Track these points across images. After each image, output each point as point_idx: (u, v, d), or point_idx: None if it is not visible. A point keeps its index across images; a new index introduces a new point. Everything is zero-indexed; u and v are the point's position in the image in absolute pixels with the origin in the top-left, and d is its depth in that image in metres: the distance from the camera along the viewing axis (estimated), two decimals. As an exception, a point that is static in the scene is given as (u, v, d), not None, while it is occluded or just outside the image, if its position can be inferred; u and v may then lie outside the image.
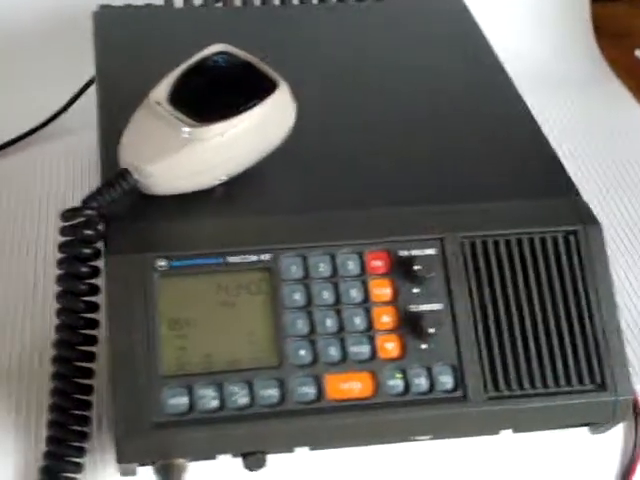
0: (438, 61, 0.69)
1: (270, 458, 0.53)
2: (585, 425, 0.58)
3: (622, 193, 0.79)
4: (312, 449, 0.55)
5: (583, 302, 0.55)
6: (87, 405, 0.55)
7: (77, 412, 0.55)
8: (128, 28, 0.74)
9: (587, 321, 0.55)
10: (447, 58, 0.70)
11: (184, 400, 0.51)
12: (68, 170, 0.78)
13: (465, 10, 0.76)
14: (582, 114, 0.90)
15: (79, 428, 0.55)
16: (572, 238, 0.56)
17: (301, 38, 0.72)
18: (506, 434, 0.57)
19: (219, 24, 0.75)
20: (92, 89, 0.82)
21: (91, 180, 0.76)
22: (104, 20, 0.75)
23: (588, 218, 0.57)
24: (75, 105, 0.83)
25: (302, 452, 0.55)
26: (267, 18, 0.76)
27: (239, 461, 0.53)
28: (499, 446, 0.59)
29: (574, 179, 0.60)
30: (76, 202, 0.72)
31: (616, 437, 0.59)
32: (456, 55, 0.70)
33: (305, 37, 0.72)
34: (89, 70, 0.82)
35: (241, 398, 0.52)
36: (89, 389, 0.55)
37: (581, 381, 0.54)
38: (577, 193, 0.59)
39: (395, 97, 0.66)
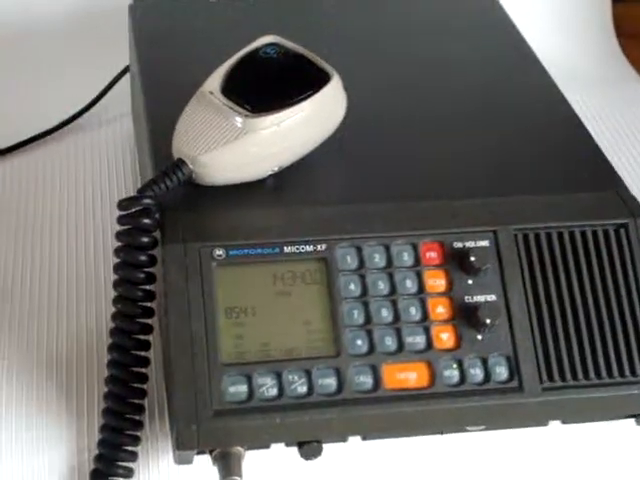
0: (481, 56, 0.70)
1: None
2: (632, 416, 0.58)
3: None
4: (367, 439, 0.56)
5: (635, 294, 0.56)
6: (142, 394, 0.55)
7: (132, 400, 0.55)
8: (165, 20, 0.75)
9: (638, 312, 0.55)
10: (488, 54, 0.70)
11: (243, 388, 0.51)
12: (103, 160, 0.79)
13: (500, 8, 0.77)
14: (605, 112, 0.91)
15: (134, 417, 0.55)
16: (622, 231, 0.57)
17: (339, 30, 0.72)
18: (554, 425, 0.58)
19: (252, 14, 0.75)
20: (124, 80, 0.83)
21: (125, 169, 0.77)
22: (141, 12, 0.76)
23: (638, 211, 0.58)
24: (107, 96, 0.83)
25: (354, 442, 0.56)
26: (301, 10, 0.76)
27: (292, 451, 0.54)
28: (544, 438, 0.59)
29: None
30: (114, 191, 0.74)
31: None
32: (496, 50, 0.71)
33: (343, 29, 0.72)
34: (119, 62, 0.83)
35: (300, 387, 0.52)
36: (144, 378, 0.55)
37: (633, 372, 0.54)
38: (623, 184, 0.60)
39: (443, 91, 0.66)
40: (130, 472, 0.55)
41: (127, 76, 0.82)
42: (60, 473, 0.56)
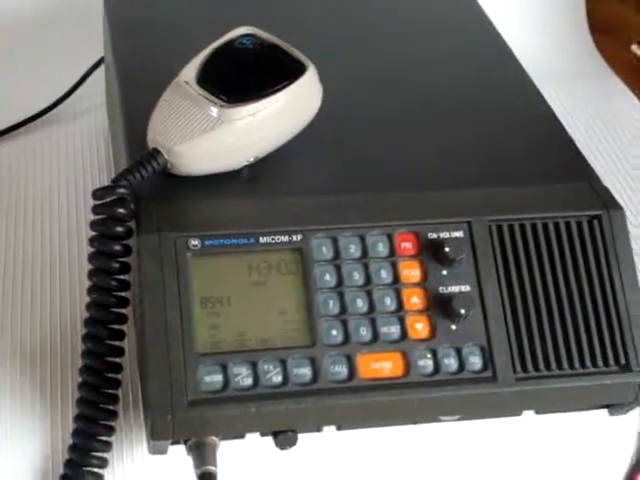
0: (457, 52, 0.70)
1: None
2: (606, 407, 0.59)
3: (623, 182, 0.81)
4: (341, 429, 0.56)
5: (607, 285, 0.56)
6: (116, 384, 0.55)
7: (106, 390, 0.55)
8: (140, 10, 0.74)
9: (611, 303, 0.56)
10: (464, 49, 0.71)
11: (219, 378, 0.51)
12: (77, 151, 0.78)
13: (476, 4, 0.77)
14: (579, 107, 0.91)
15: (108, 406, 0.55)
16: (596, 222, 0.57)
17: (316, 22, 0.72)
18: (527, 416, 0.58)
19: (228, 5, 0.75)
20: (99, 71, 0.83)
21: (100, 160, 0.77)
22: (115, 2, 0.75)
23: (611, 203, 0.58)
24: (82, 87, 0.83)
25: (328, 432, 0.56)
26: (278, 1, 0.76)
27: (267, 440, 0.54)
28: (517, 428, 0.60)
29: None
30: (88, 182, 0.74)
31: (633, 419, 0.61)
32: (472, 46, 0.71)
33: (321, 22, 0.72)
34: (94, 53, 0.83)
35: (275, 376, 0.52)
36: (119, 367, 0.55)
37: (606, 362, 0.55)
38: (597, 177, 0.60)
39: (419, 85, 0.66)
40: (104, 462, 0.54)
41: (102, 67, 0.81)
42: (34, 463, 0.55)
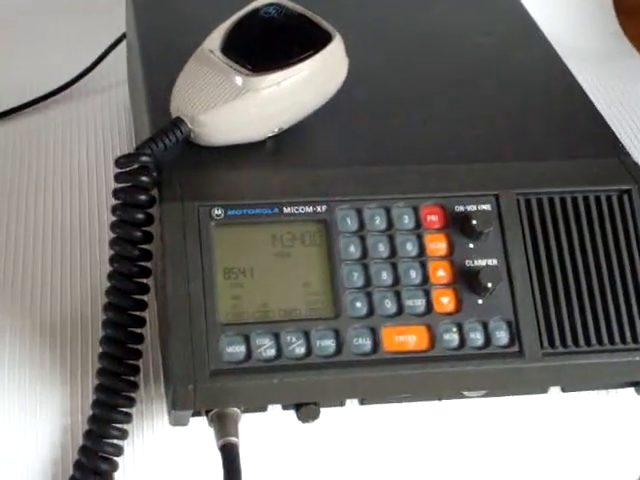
0: (486, 27, 0.69)
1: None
2: (632, 385, 0.58)
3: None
4: (364, 403, 0.55)
5: (637, 260, 0.55)
6: (138, 354, 0.54)
7: (128, 361, 0.54)
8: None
9: (641, 279, 0.55)
10: (493, 25, 0.70)
11: (241, 348, 0.51)
12: (98, 127, 0.78)
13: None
14: (604, 88, 0.90)
15: (129, 377, 0.54)
16: (625, 197, 0.56)
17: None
18: (554, 394, 0.57)
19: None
20: (120, 47, 0.82)
21: (121, 136, 0.76)
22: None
23: (641, 177, 0.57)
24: (102, 64, 0.82)
25: (351, 408, 0.55)
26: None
27: (290, 414, 0.53)
28: (542, 408, 0.59)
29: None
30: (109, 157, 0.73)
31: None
32: (501, 23, 0.70)
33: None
34: (116, 30, 0.82)
35: (298, 348, 0.51)
36: (140, 338, 0.54)
37: (635, 339, 0.54)
38: (626, 152, 0.59)
39: (448, 59, 0.65)
40: (124, 433, 0.54)
41: (123, 44, 0.81)
42: (53, 434, 0.55)
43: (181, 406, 0.50)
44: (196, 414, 0.53)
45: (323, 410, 0.54)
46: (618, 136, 0.61)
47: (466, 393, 0.55)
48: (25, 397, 0.56)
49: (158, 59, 0.63)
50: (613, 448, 0.60)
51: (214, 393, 0.50)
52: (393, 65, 0.64)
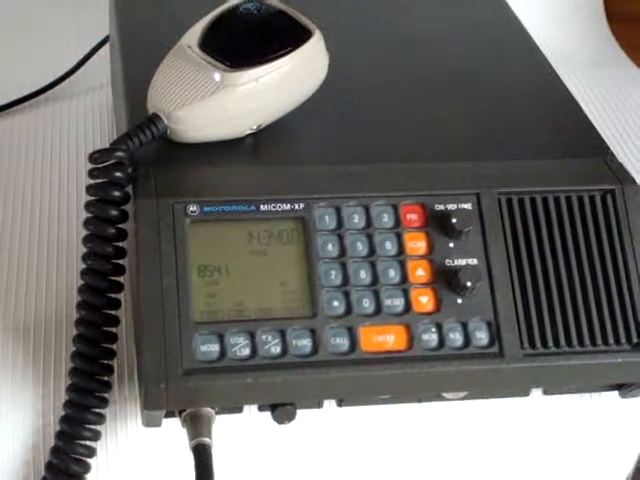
0: (471, 28, 0.69)
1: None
2: (616, 388, 0.57)
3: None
4: (343, 405, 0.54)
5: (620, 261, 0.54)
6: (111, 354, 0.53)
7: (101, 360, 0.53)
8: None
9: (624, 280, 0.54)
10: (479, 25, 0.69)
11: (215, 347, 0.50)
12: (80, 128, 0.77)
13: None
14: (595, 94, 0.90)
15: (102, 377, 0.53)
16: (609, 197, 0.55)
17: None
18: (536, 397, 0.56)
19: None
20: (104, 50, 0.81)
21: (103, 137, 0.76)
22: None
23: (624, 177, 0.56)
24: (87, 64, 0.82)
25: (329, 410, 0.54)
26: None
27: (266, 417, 0.52)
28: (524, 412, 0.58)
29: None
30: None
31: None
32: (487, 23, 0.70)
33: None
34: (100, 31, 0.82)
35: (273, 347, 0.50)
36: (114, 337, 0.53)
37: (617, 340, 0.53)
38: (611, 152, 0.58)
39: (431, 58, 0.65)
40: (97, 434, 0.53)
41: (107, 45, 0.80)
42: (25, 434, 0.54)
43: (152, 406, 0.49)
44: (170, 415, 0.52)
45: (301, 412, 0.53)
46: (609, 140, 0.60)
47: (446, 395, 0.54)
48: (-3, 397, 0.55)
49: (138, 55, 0.62)
50: (597, 453, 0.59)
51: (187, 393, 0.49)
52: (375, 63, 0.63)
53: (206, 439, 0.50)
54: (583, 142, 0.59)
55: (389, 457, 0.57)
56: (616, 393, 0.57)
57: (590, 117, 0.64)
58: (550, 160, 0.57)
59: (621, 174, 0.56)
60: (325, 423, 0.56)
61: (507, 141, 0.59)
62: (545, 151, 0.58)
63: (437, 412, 0.57)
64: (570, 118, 0.62)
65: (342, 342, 0.51)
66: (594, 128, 0.61)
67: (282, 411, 0.51)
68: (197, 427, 0.50)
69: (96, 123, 0.78)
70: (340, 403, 0.54)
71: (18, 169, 0.72)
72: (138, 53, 0.63)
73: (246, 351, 0.50)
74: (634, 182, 0.56)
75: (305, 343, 0.51)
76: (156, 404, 0.49)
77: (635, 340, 0.53)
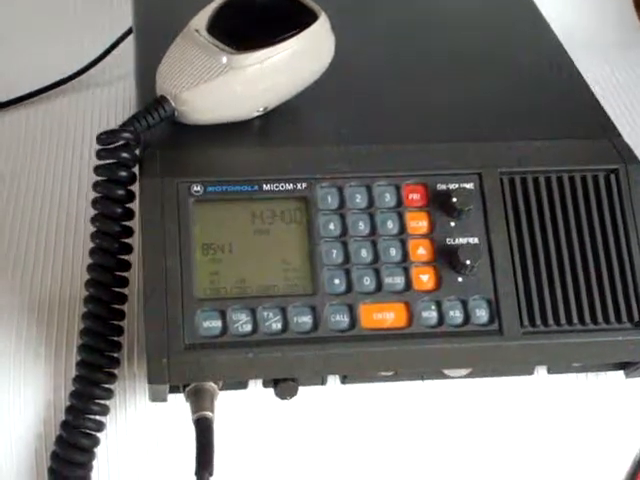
0: (480, 8, 0.69)
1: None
2: (620, 368, 0.57)
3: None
4: (346, 381, 0.55)
5: (623, 240, 0.54)
6: (119, 330, 0.55)
7: (109, 337, 0.54)
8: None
9: (626, 259, 0.54)
10: (488, 5, 0.69)
11: (217, 323, 0.51)
12: (102, 118, 0.78)
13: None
14: (623, 77, 0.89)
15: (111, 353, 0.54)
16: (613, 177, 0.55)
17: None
18: (541, 375, 0.57)
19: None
20: (129, 41, 0.83)
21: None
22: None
23: (629, 157, 0.56)
24: (114, 53, 0.83)
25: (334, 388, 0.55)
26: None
27: (271, 393, 0.53)
28: (532, 389, 0.58)
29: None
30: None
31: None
32: (497, 2, 0.70)
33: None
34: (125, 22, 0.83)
35: (274, 323, 0.51)
36: (121, 314, 0.55)
37: (618, 319, 0.53)
38: (618, 133, 0.58)
39: (435, 36, 0.65)
40: (105, 409, 0.54)
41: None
42: (36, 409, 0.55)
43: (155, 380, 0.50)
44: (175, 390, 0.53)
45: (305, 390, 0.54)
46: (633, 123, 0.60)
47: (449, 373, 0.55)
48: (10, 373, 0.56)
49: (152, 40, 0.64)
50: (602, 432, 0.59)
51: (189, 367, 0.50)
52: (381, 45, 0.64)
53: (208, 413, 0.51)
54: (590, 123, 0.60)
55: (392, 436, 0.57)
56: (621, 372, 0.57)
57: (614, 100, 0.64)
58: (554, 140, 0.57)
59: (626, 154, 0.57)
60: (329, 401, 0.56)
61: (512, 122, 0.59)
62: (550, 132, 0.58)
63: (442, 391, 0.57)
64: (579, 100, 0.62)
65: (342, 319, 0.52)
66: (602, 109, 0.61)
67: (284, 386, 0.52)
68: (200, 401, 0.51)
69: (119, 112, 0.79)
70: (344, 380, 0.55)
71: (41, 155, 0.73)
72: (152, 38, 0.64)
73: (247, 327, 0.51)
74: (638, 162, 0.56)
75: (305, 320, 0.51)
76: (159, 378, 0.50)
77: (637, 318, 0.53)
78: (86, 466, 0.54)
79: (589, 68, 0.86)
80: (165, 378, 0.50)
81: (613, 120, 0.60)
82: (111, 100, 0.81)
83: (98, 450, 0.54)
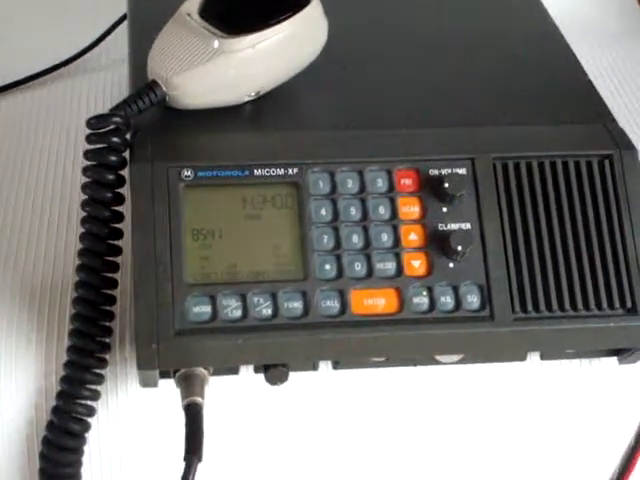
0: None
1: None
2: (614, 354, 0.56)
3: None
4: (338, 367, 0.55)
5: (616, 226, 0.54)
6: (110, 316, 0.55)
7: (100, 322, 0.54)
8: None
9: (619, 245, 0.54)
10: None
11: (207, 309, 0.51)
12: (98, 102, 0.78)
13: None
14: (623, 64, 0.89)
15: (101, 338, 0.54)
16: (607, 162, 0.55)
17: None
18: (534, 361, 0.56)
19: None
20: (125, 24, 0.82)
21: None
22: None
23: (623, 142, 0.56)
24: (108, 39, 0.83)
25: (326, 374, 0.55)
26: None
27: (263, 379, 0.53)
28: (525, 375, 0.58)
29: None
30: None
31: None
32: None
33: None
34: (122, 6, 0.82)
35: (265, 309, 0.51)
36: (112, 299, 0.55)
37: (611, 305, 0.53)
38: (613, 119, 0.58)
39: (429, 20, 0.65)
40: (96, 394, 0.54)
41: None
42: (28, 394, 0.55)
43: (145, 365, 0.50)
44: (165, 375, 0.53)
45: (297, 376, 0.54)
46: (635, 111, 0.59)
47: (441, 359, 0.55)
48: (0, 359, 0.56)
49: (145, 25, 0.63)
50: (596, 419, 0.59)
51: (178, 353, 0.50)
52: (374, 29, 0.63)
53: (198, 398, 0.51)
54: (584, 108, 0.59)
55: (384, 422, 0.57)
56: (615, 359, 0.57)
57: (615, 87, 0.64)
58: (548, 126, 0.57)
59: (620, 139, 0.56)
60: (321, 387, 0.56)
61: (506, 107, 0.59)
62: (544, 117, 0.58)
63: (435, 377, 0.57)
64: (574, 84, 0.61)
65: (332, 304, 0.52)
66: (598, 94, 0.60)
67: (274, 372, 0.52)
68: (190, 387, 0.51)
69: (115, 97, 0.79)
70: (335, 366, 0.55)
71: (36, 140, 0.73)
72: (146, 23, 0.63)
73: (237, 313, 0.51)
74: (633, 147, 0.56)
75: (296, 305, 0.51)
76: (148, 364, 0.50)
77: (629, 305, 0.53)
78: (77, 451, 0.54)
79: (589, 53, 0.87)
80: (155, 364, 0.50)
81: (611, 106, 0.60)
82: (107, 85, 0.80)
83: (89, 435, 0.54)
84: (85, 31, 0.84)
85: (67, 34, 0.85)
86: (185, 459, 0.48)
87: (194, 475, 0.48)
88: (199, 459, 0.49)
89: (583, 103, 0.60)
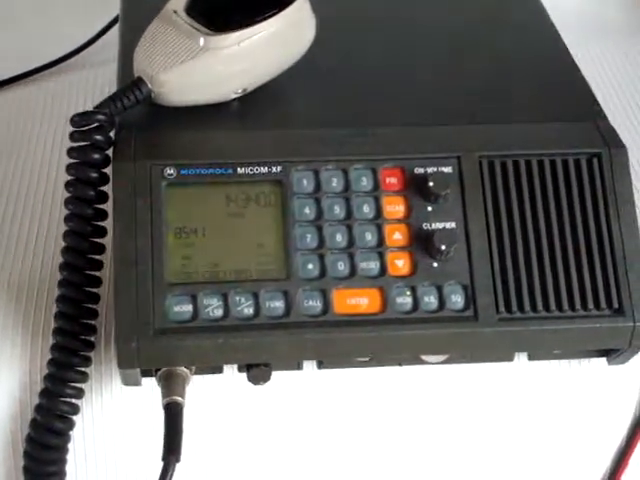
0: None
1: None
2: (603, 355, 0.56)
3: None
4: (323, 367, 0.55)
5: (604, 226, 0.53)
6: (93, 314, 0.54)
7: (83, 320, 0.54)
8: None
9: (607, 245, 0.53)
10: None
11: (188, 308, 0.50)
12: (95, 99, 0.78)
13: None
14: (630, 61, 0.88)
15: (85, 337, 0.54)
16: (595, 160, 0.54)
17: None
18: (522, 362, 0.56)
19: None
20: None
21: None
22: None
23: (613, 141, 0.55)
24: (103, 39, 0.83)
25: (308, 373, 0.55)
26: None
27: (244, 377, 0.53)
28: (514, 376, 0.57)
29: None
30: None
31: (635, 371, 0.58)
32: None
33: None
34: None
35: (246, 308, 0.51)
36: (96, 298, 0.54)
37: (598, 306, 0.52)
38: (604, 116, 0.57)
39: (417, 18, 0.64)
40: (80, 392, 0.54)
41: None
42: (11, 391, 0.55)
43: (125, 364, 0.50)
44: (148, 374, 0.53)
45: (282, 375, 0.53)
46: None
47: (426, 359, 0.54)
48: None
49: (135, 22, 0.63)
50: (585, 420, 0.58)
51: (158, 352, 0.50)
52: (361, 27, 0.63)
53: (178, 398, 0.51)
54: (575, 106, 0.58)
55: (371, 423, 0.57)
56: (604, 360, 0.56)
57: (610, 84, 0.63)
58: (537, 124, 0.56)
59: (610, 137, 0.55)
60: (305, 387, 0.56)
61: (495, 105, 0.58)
62: (533, 114, 0.57)
63: (421, 377, 0.57)
64: (566, 82, 0.61)
65: (315, 304, 0.51)
66: (590, 91, 0.60)
67: (256, 371, 0.52)
68: (170, 386, 0.51)
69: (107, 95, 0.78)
70: (320, 365, 0.55)
71: (32, 136, 0.73)
72: (136, 20, 0.63)
73: (219, 312, 0.51)
74: (622, 146, 0.55)
75: (278, 305, 0.51)
76: (128, 362, 0.50)
77: (616, 305, 0.52)
78: (61, 449, 0.54)
79: (588, 50, 0.86)
80: (134, 363, 0.50)
81: (611, 105, 0.59)
82: (105, 81, 0.80)
83: (73, 433, 0.54)
84: (84, 27, 0.84)
85: (66, 30, 0.85)
86: (163, 459, 0.48)
87: (172, 476, 0.48)
88: (177, 459, 0.48)
89: (574, 100, 0.59)
